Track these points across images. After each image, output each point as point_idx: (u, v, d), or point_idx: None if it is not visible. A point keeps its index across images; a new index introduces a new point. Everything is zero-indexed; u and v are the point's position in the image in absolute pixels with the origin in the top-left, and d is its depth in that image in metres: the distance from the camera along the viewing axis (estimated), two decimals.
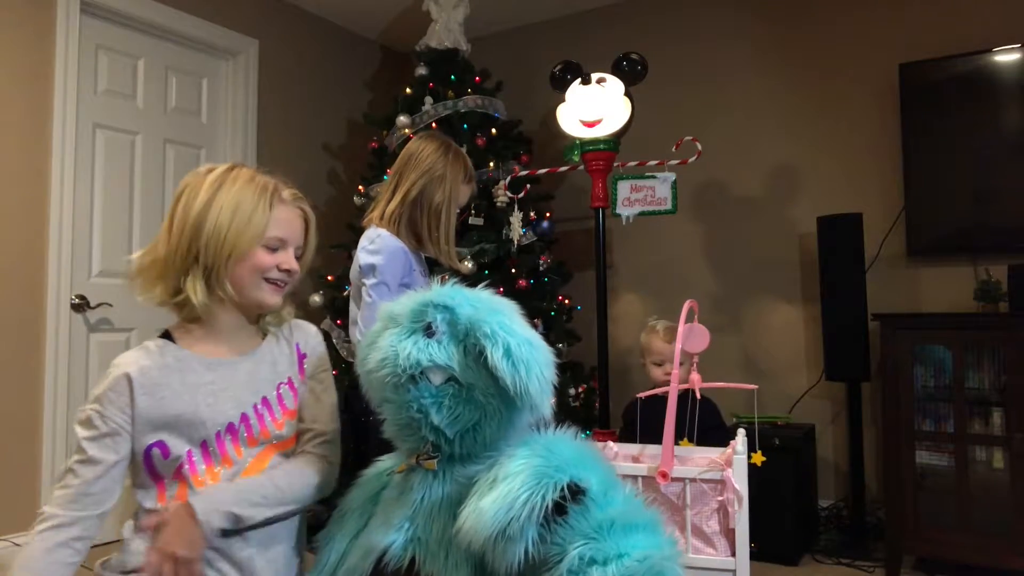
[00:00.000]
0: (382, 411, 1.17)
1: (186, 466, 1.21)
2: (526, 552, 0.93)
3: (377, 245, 1.93)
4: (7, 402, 2.78)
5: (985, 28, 2.97)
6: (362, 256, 1.94)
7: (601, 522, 0.92)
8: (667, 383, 1.98)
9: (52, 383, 2.88)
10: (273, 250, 1.27)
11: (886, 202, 3.13)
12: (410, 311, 1.12)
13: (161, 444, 1.21)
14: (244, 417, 1.25)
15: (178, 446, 1.21)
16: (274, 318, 1.36)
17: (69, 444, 2.93)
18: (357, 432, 1.95)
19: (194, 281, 1.24)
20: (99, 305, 3.08)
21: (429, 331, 1.09)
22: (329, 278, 3.51)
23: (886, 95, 3.14)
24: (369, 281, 1.90)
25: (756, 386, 1.77)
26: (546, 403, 1.06)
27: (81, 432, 1.21)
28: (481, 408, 1.07)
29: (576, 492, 0.94)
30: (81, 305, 3.02)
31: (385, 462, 1.31)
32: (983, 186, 2.89)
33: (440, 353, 1.08)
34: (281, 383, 1.31)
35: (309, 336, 1.40)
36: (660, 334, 2.48)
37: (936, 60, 2.98)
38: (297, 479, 1.25)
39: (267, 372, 1.31)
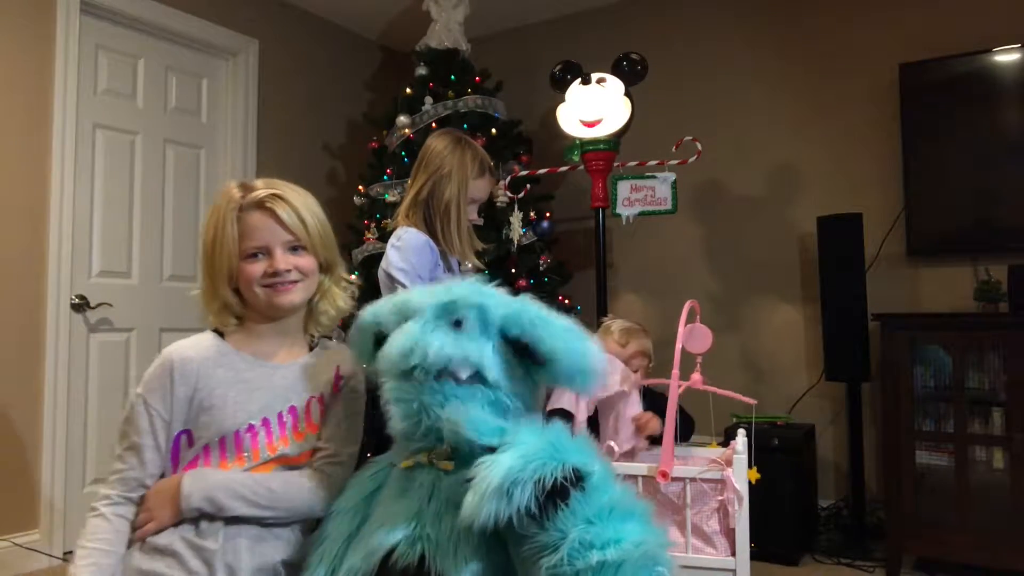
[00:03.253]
0: (392, 407, 1.12)
1: (201, 459, 1.25)
2: (512, 524, 0.94)
3: (403, 241, 1.97)
4: (7, 402, 2.77)
5: (985, 28, 2.97)
6: (390, 253, 1.98)
7: (600, 508, 0.94)
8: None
9: (52, 383, 2.88)
10: (255, 258, 1.28)
11: (886, 202, 3.13)
12: (436, 305, 1.10)
13: (188, 432, 1.26)
14: (266, 421, 1.27)
15: (200, 438, 1.25)
16: (323, 318, 1.37)
17: (69, 444, 2.94)
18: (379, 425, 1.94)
19: (218, 307, 1.31)
20: (99, 305, 3.08)
21: (458, 325, 1.08)
22: None
23: (886, 95, 3.14)
24: (402, 277, 1.93)
25: (755, 401, 1.74)
26: (601, 378, 1.08)
27: (126, 418, 1.27)
28: (505, 410, 1.08)
29: (580, 478, 0.95)
30: (81, 305, 3.02)
31: (379, 462, 1.28)
32: (983, 186, 2.89)
33: (473, 348, 1.06)
34: (313, 396, 1.32)
35: (350, 362, 1.39)
36: (615, 335, 2.06)
37: (936, 60, 2.98)
38: (293, 488, 1.25)
39: (303, 383, 1.32)
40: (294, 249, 1.30)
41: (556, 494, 0.93)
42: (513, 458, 0.95)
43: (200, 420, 1.25)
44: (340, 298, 1.39)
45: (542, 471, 0.93)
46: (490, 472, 0.94)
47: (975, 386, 2.54)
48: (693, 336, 1.72)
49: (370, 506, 1.21)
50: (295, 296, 1.30)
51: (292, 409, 1.29)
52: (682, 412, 1.90)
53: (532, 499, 0.92)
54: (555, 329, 1.07)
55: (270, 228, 1.28)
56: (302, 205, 1.30)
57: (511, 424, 1.05)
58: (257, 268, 1.27)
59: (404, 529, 1.06)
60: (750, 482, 1.58)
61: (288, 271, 1.28)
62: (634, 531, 0.93)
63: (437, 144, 2.07)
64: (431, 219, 2.02)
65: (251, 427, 1.26)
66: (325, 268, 1.37)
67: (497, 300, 1.11)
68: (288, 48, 3.88)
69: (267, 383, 1.29)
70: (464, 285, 1.12)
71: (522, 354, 1.09)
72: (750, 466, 1.59)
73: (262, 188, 1.30)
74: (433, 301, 1.10)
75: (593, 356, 1.07)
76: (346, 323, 1.37)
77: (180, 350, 1.29)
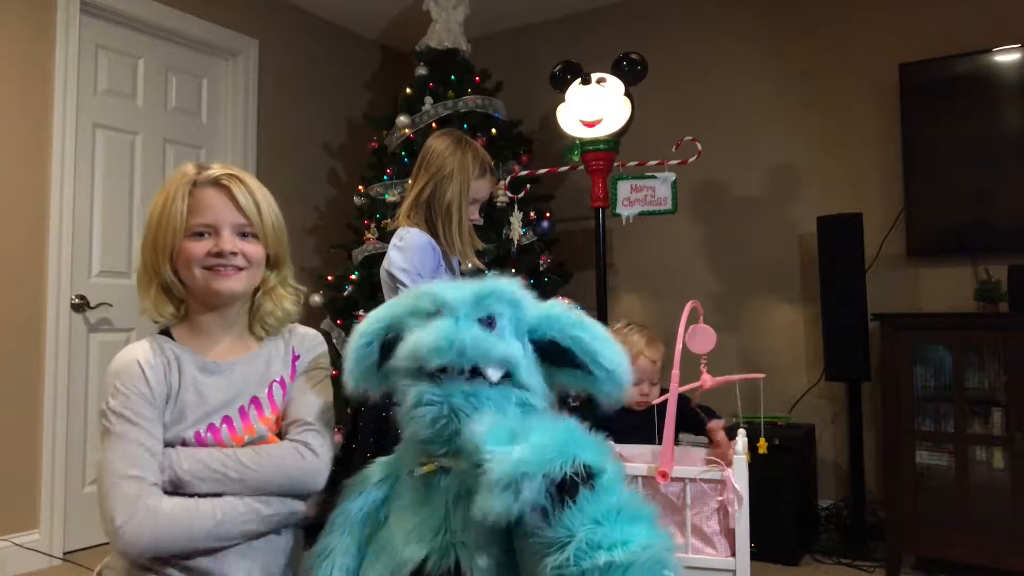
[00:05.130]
0: (416, 411, 1.04)
1: None
2: (518, 520, 0.92)
3: (405, 242, 1.97)
4: (7, 402, 2.77)
5: (985, 28, 2.97)
6: (392, 253, 1.98)
7: (609, 508, 0.93)
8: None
9: (52, 383, 2.88)
10: (200, 236, 1.21)
11: (886, 202, 3.13)
12: (471, 299, 1.06)
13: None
14: (227, 419, 1.23)
15: (172, 437, 1.19)
16: (269, 320, 1.31)
17: (69, 444, 2.94)
18: (379, 427, 1.94)
19: (155, 291, 1.24)
20: (99, 305, 3.08)
21: (489, 324, 1.05)
22: (329, 278, 3.51)
23: (886, 95, 3.14)
24: (403, 278, 1.94)
25: (763, 376, 1.76)
26: (626, 391, 1.08)
27: (114, 422, 1.16)
28: (531, 411, 1.06)
29: (590, 475, 0.94)
30: (81, 305, 3.02)
31: (382, 466, 1.22)
32: (983, 186, 2.88)
33: (507, 348, 1.04)
34: (273, 381, 1.28)
35: (307, 340, 1.36)
36: (645, 350, 2.09)
37: (936, 60, 2.98)
38: (266, 459, 1.18)
39: (260, 374, 1.28)
40: (244, 235, 1.24)
41: (565, 490, 0.92)
42: (523, 450, 0.93)
43: (169, 419, 1.20)
44: (286, 300, 1.32)
45: (551, 465, 0.92)
46: (498, 464, 0.92)
47: (975, 386, 2.54)
48: (697, 337, 1.71)
49: (378, 516, 1.16)
50: (235, 284, 1.23)
51: (254, 400, 1.25)
52: (706, 410, 1.93)
53: (542, 493, 0.91)
54: (597, 332, 1.07)
55: (222, 206, 1.22)
56: (259, 192, 1.26)
57: (525, 420, 1.03)
58: (201, 247, 1.20)
59: (432, 539, 1.03)
60: (762, 454, 1.58)
61: (234, 254, 1.22)
62: (642, 533, 0.92)
63: (438, 145, 2.08)
64: (433, 220, 2.03)
65: (211, 426, 1.21)
66: (273, 264, 1.31)
67: (531, 300, 1.10)
68: (288, 48, 3.88)
69: (225, 382, 1.24)
70: (496, 282, 1.09)
71: (550, 358, 1.08)
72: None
73: (220, 169, 1.25)
74: (465, 297, 1.06)
75: (628, 367, 1.07)
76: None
77: (143, 351, 1.22)
